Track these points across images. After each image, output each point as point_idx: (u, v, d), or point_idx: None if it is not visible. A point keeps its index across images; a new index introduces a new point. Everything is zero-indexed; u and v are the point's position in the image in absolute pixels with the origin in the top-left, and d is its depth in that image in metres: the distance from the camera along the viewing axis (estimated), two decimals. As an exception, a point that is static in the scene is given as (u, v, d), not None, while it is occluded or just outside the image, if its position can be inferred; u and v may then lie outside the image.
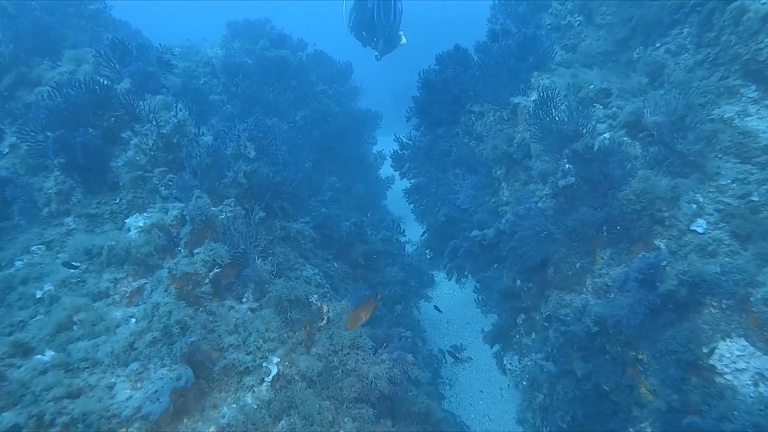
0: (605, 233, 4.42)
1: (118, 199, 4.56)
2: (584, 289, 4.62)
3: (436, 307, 7.30)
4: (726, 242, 3.94)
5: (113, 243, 4.05)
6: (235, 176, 4.71)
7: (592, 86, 5.47)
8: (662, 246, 4.12)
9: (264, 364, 3.59)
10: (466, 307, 7.32)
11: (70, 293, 3.81)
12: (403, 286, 6.58)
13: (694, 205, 4.15)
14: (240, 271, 4.24)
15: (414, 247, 8.74)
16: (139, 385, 3.20)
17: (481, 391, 5.98)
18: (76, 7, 7.15)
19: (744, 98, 4.58)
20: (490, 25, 7.34)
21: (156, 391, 3.10)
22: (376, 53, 8.24)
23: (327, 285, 4.91)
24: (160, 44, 6.44)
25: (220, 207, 4.49)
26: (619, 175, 4.37)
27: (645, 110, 4.70)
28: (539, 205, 5.05)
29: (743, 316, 3.65)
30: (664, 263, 3.88)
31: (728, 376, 3.52)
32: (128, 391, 3.16)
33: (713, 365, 3.58)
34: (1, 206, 4.57)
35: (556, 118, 4.88)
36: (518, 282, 5.48)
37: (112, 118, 4.89)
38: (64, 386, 3.04)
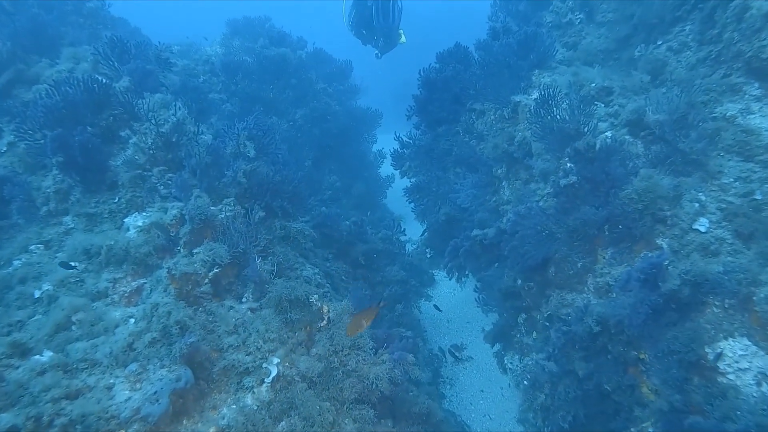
0: (607, 232, 4.39)
1: (117, 199, 4.53)
2: (586, 289, 4.60)
3: (435, 306, 7.28)
4: (729, 241, 3.92)
5: (112, 242, 4.03)
6: (235, 175, 4.69)
7: (593, 84, 5.44)
8: (664, 245, 4.10)
9: (264, 365, 3.57)
10: (467, 306, 7.30)
11: (69, 293, 3.79)
12: (403, 286, 6.57)
13: (697, 204, 4.13)
14: (240, 271, 4.22)
15: (414, 246, 8.72)
16: (138, 386, 3.18)
17: (482, 391, 5.96)
18: (74, 5, 7.11)
19: (747, 96, 4.55)
20: (491, 23, 7.29)
21: (155, 393, 3.07)
22: (376, 51, 8.21)
23: (327, 285, 4.89)
24: (159, 42, 6.42)
25: (220, 206, 4.46)
26: (621, 174, 4.34)
27: (647, 108, 4.67)
28: (540, 204, 5.03)
29: (746, 316, 3.63)
30: (667, 263, 3.86)
31: (731, 376, 3.50)
32: (127, 392, 3.13)
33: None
34: (-1, 205, 4.54)
35: (558, 116, 4.85)
36: (519, 281, 5.46)
37: (111, 117, 4.86)
38: (63, 387, 3.02)
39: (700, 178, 4.29)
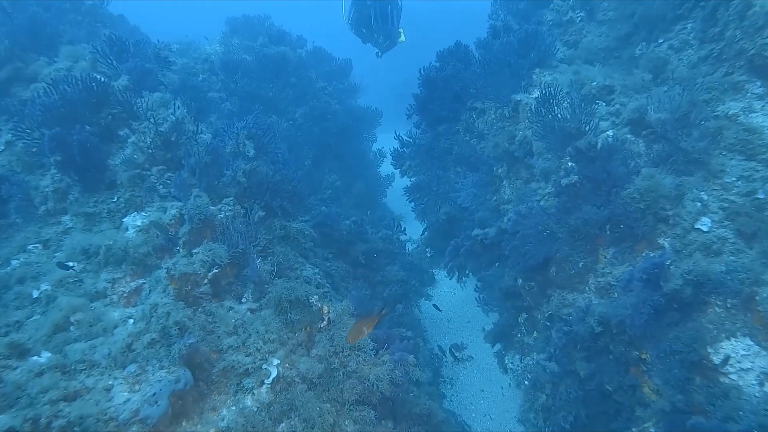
0: (608, 232, 4.37)
1: (116, 198, 4.50)
2: (587, 289, 4.58)
3: (435, 306, 7.26)
4: (731, 241, 3.90)
5: (111, 242, 4.00)
6: (234, 175, 4.66)
7: (594, 83, 5.42)
8: (666, 245, 4.08)
9: (264, 366, 3.55)
10: (467, 305, 7.28)
11: (67, 293, 3.76)
12: (403, 285, 6.55)
13: (699, 204, 4.11)
14: (239, 271, 4.19)
15: (414, 246, 8.70)
16: (137, 387, 3.16)
17: (482, 390, 5.95)
18: (72, 3, 7.08)
19: (749, 94, 4.53)
20: (491, 21, 7.26)
21: (154, 394, 3.05)
22: (376, 50, 8.18)
23: (327, 285, 4.86)
24: (158, 41, 6.37)
25: (219, 206, 4.43)
26: (623, 173, 4.32)
27: (648, 107, 4.65)
28: (541, 203, 5.01)
29: (748, 316, 3.61)
30: (669, 262, 3.84)
31: (733, 376, 3.49)
32: (126, 393, 3.11)
33: (718, 365, 3.54)
34: (-4, 205, 4.51)
35: (559, 115, 4.83)
36: (520, 281, 5.44)
37: (110, 116, 4.82)
38: (61, 389, 3.00)
39: (702, 177, 4.27)
